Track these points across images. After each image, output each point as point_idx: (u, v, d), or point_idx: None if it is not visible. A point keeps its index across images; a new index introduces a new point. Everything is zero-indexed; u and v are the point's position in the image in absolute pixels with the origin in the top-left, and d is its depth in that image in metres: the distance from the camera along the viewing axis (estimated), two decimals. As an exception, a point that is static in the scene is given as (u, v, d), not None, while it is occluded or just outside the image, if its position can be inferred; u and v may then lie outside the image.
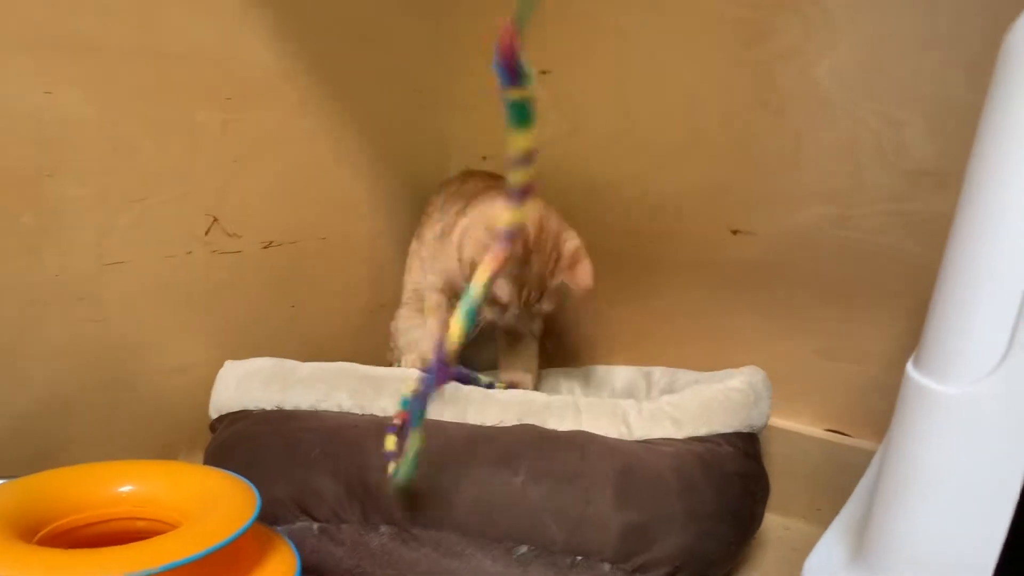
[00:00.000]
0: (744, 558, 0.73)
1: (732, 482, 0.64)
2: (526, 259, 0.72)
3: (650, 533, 0.59)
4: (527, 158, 0.48)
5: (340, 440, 0.64)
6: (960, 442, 0.35)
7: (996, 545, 0.35)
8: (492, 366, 0.86)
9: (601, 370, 0.88)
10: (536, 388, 0.84)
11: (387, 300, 0.87)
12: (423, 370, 0.56)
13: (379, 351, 0.89)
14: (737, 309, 0.84)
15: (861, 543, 0.42)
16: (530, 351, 0.84)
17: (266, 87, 0.78)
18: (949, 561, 0.36)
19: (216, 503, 0.50)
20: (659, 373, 0.83)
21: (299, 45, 0.80)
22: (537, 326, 0.84)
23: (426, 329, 0.81)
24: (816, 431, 0.81)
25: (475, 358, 0.83)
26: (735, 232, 0.82)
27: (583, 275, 0.74)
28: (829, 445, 0.79)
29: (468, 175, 0.90)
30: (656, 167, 0.86)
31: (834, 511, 0.55)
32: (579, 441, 0.63)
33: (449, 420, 0.65)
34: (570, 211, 0.80)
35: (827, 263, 0.77)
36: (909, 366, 0.39)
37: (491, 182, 0.86)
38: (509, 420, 0.65)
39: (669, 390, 0.78)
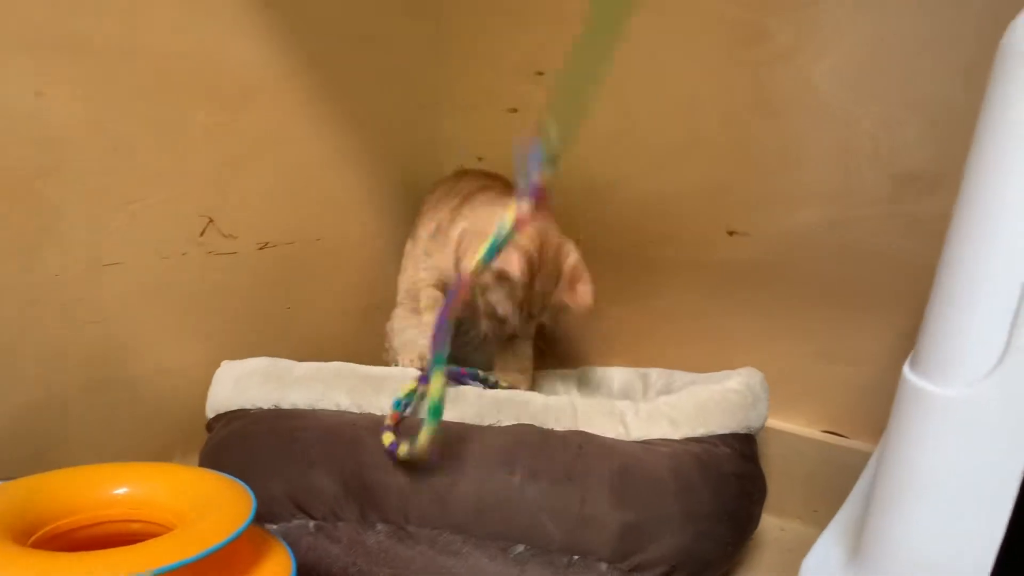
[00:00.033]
0: (740, 559, 0.73)
1: (729, 483, 0.64)
2: (531, 280, 0.72)
3: (647, 533, 0.59)
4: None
5: (338, 438, 0.64)
6: (957, 444, 0.35)
7: (993, 547, 0.35)
8: (487, 367, 0.86)
9: (598, 371, 0.88)
10: (532, 388, 0.84)
11: (383, 301, 0.87)
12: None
13: (375, 352, 0.88)
14: (734, 310, 0.84)
15: (858, 545, 0.42)
16: (525, 351, 0.84)
17: (262, 87, 0.78)
18: (946, 563, 0.36)
19: (211, 505, 0.50)
20: (656, 375, 0.83)
21: (295, 46, 0.80)
22: (531, 327, 0.84)
23: (422, 326, 0.81)
24: (813, 432, 0.81)
25: (469, 359, 0.83)
26: (732, 233, 0.82)
27: (583, 295, 0.74)
28: (825, 446, 0.79)
29: (462, 174, 0.90)
30: (654, 167, 0.86)
31: (830, 512, 0.55)
32: (576, 441, 0.63)
33: (447, 420, 0.65)
34: (568, 211, 0.80)
35: (824, 264, 0.77)
36: (906, 368, 0.39)
37: (486, 181, 0.85)
38: (506, 420, 0.65)
39: (666, 391, 0.78)
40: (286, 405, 0.68)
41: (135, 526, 0.53)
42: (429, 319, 0.80)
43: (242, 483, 0.54)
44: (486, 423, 0.65)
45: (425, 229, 0.85)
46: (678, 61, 0.82)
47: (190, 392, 0.74)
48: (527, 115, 0.94)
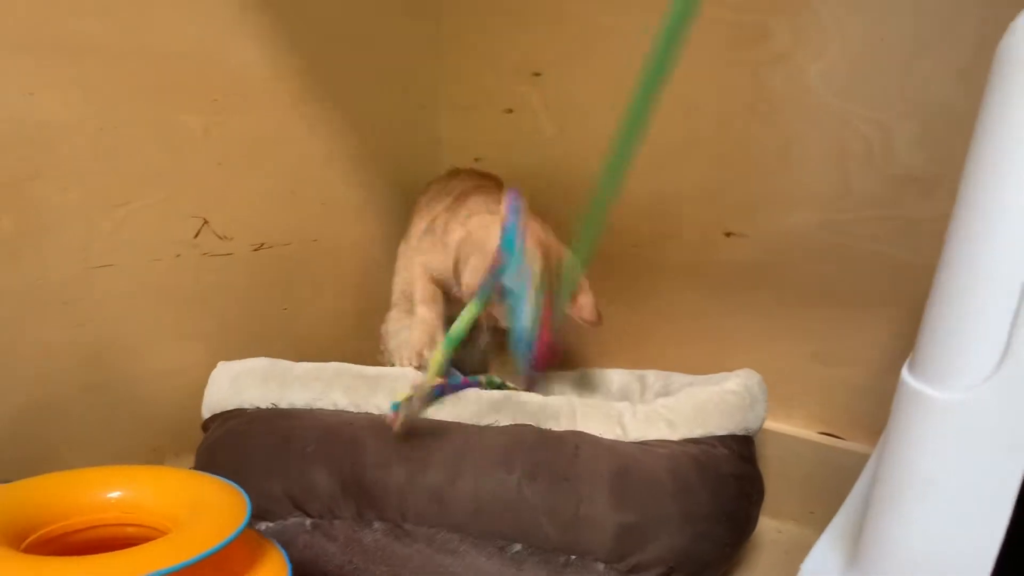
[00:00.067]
0: (738, 560, 0.73)
1: (727, 484, 0.64)
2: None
3: (645, 534, 0.59)
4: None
5: (335, 437, 0.64)
6: (956, 448, 0.35)
7: (992, 551, 0.35)
8: (481, 369, 0.86)
9: (595, 374, 0.87)
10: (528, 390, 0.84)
11: (379, 303, 0.87)
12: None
13: (372, 354, 0.88)
14: (731, 311, 0.84)
15: (857, 549, 0.41)
16: None
17: (256, 88, 0.77)
18: (945, 567, 0.36)
19: (206, 509, 0.50)
20: (653, 376, 0.83)
21: (290, 46, 0.80)
22: None
23: (416, 318, 0.80)
24: (809, 434, 0.81)
25: (464, 361, 0.83)
26: (729, 234, 0.82)
27: (588, 310, 0.74)
28: (822, 448, 0.79)
29: (455, 173, 0.90)
30: (651, 168, 0.86)
31: (827, 514, 0.55)
32: (574, 441, 0.63)
33: (445, 420, 0.65)
34: (564, 212, 0.80)
35: (821, 266, 0.77)
36: (904, 371, 0.39)
37: (480, 180, 0.85)
38: (504, 420, 0.65)
39: (664, 393, 0.78)
40: (284, 404, 0.68)
41: (129, 530, 0.52)
42: (423, 312, 0.79)
43: (237, 486, 0.53)
44: (484, 423, 0.65)
45: (418, 229, 0.85)
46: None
47: (185, 394, 0.74)
48: (524, 116, 0.93)
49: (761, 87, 0.77)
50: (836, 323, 0.78)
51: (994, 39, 0.36)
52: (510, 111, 0.94)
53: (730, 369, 0.74)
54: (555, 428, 0.65)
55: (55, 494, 0.52)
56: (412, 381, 0.66)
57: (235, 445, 0.66)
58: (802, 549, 0.50)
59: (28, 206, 0.63)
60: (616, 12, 0.84)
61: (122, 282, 0.70)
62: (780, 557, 0.75)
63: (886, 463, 0.39)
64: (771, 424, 0.81)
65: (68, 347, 0.67)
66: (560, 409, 0.66)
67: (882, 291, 0.75)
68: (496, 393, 0.68)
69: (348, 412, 0.67)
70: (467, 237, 0.76)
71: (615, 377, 0.86)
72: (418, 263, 0.82)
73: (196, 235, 0.75)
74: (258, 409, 0.68)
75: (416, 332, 0.77)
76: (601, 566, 0.59)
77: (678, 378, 0.79)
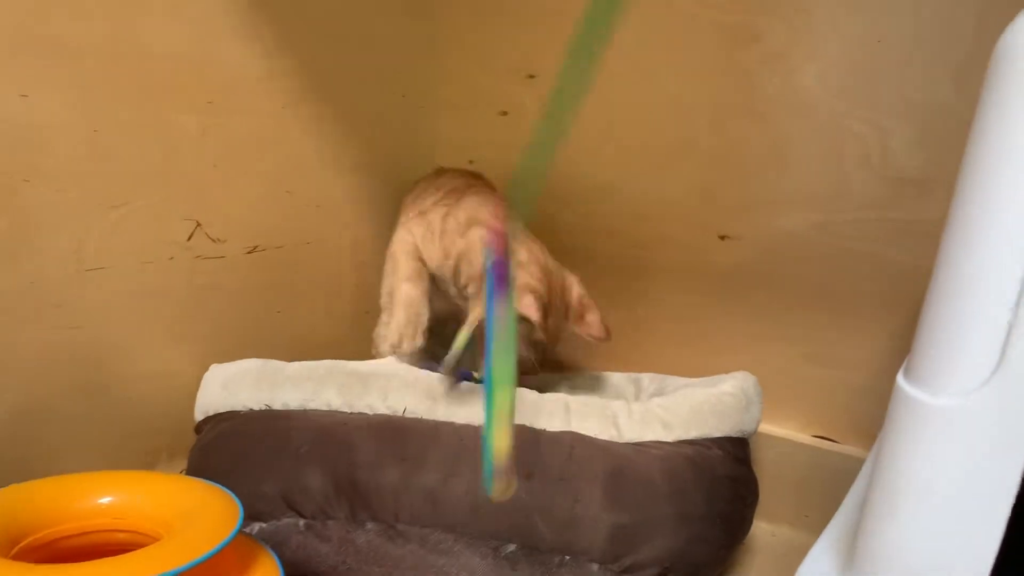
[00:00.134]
0: (731, 564, 0.73)
1: (722, 486, 0.64)
2: (544, 318, 0.72)
3: (639, 534, 0.60)
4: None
5: (329, 438, 0.63)
6: (951, 454, 0.35)
7: (989, 557, 0.35)
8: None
9: (589, 376, 0.87)
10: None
11: (373, 305, 0.86)
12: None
13: (365, 357, 0.88)
14: (725, 314, 0.84)
15: (852, 555, 0.41)
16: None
17: (249, 90, 0.77)
18: (941, 573, 0.36)
19: (197, 515, 0.50)
20: (648, 379, 0.83)
21: (284, 46, 0.79)
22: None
23: (399, 296, 0.76)
24: (803, 437, 0.81)
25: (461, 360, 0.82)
26: (723, 237, 0.82)
27: (596, 327, 0.75)
28: (817, 451, 0.79)
29: (441, 171, 0.90)
30: (645, 171, 0.86)
31: (821, 517, 0.55)
32: (569, 442, 0.63)
33: (440, 419, 0.65)
34: (557, 216, 0.80)
35: (814, 269, 0.77)
36: (899, 377, 0.39)
37: (470, 179, 0.85)
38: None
39: (658, 396, 0.78)
40: (277, 405, 0.67)
41: (121, 536, 0.52)
42: (408, 289, 0.76)
43: (229, 491, 0.53)
44: (478, 423, 0.65)
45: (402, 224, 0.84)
46: (668, 64, 0.82)
47: (178, 397, 0.73)
48: (519, 118, 0.93)
49: (755, 88, 0.77)
50: (831, 325, 0.78)
51: (991, 40, 0.36)
52: (505, 113, 0.94)
53: (725, 371, 0.74)
54: (550, 428, 0.65)
55: (45, 499, 0.52)
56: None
57: (228, 447, 0.66)
58: (796, 553, 0.50)
59: (22, 208, 0.62)
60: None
61: (115, 284, 0.70)
62: (774, 561, 0.75)
63: (881, 468, 0.39)
64: (766, 427, 0.81)
65: (61, 349, 0.67)
66: (555, 408, 0.66)
67: (878, 293, 0.75)
68: None
69: (342, 412, 0.66)
70: (467, 251, 0.76)
71: (609, 380, 0.86)
72: (404, 241, 0.80)
73: (189, 238, 0.75)
74: (251, 411, 0.67)
75: (400, 313, 0.75)
76: (595, 567, 0.59)
77: (673, 381, 0.79)
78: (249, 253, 0.81)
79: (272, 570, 0.51)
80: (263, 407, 0.67)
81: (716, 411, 0.68)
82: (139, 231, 0.71)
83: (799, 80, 0.75)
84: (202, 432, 0.69)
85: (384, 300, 0.86)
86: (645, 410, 0.67)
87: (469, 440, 0.62)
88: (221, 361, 0.72)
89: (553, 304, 0.73)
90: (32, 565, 0.44)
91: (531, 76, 0.90)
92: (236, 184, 0.78)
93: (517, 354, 0.72)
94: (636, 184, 0.87)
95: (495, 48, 0.93)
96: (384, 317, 0.85)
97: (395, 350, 0.72)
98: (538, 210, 0.77)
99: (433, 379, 0.67)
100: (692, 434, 0.66)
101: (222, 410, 0.69)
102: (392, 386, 0.67)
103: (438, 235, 0.78)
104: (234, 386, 0.69)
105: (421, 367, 0.71)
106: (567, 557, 0.59)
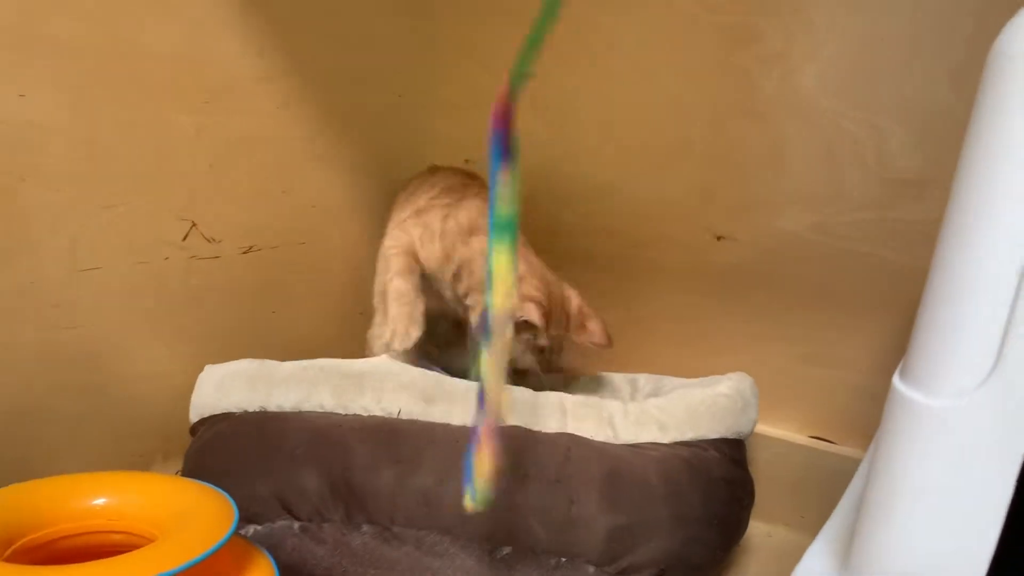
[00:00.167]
0: (727, 565, 0.73)
1: (718, 487, 0.64)
2: (546, 328, 0.72)
3: (635, 536, 0.59)
4: (510, 288, 0.45)
5: (323, 439, 0.63)
6: (948, 456, 0.35)
7: (985, 558, 0.35)
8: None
9: (586, 376, 0.87)
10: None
11: (368, 305, 0.86)
12: None
13: (359, 357, 0.88)
14: (721, 314, 0.84)
15: (848, 556, 0.41)
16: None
17: (245, 89, 0.77)
18: (937, 574, 0.36)
19: (193, 516, 0.49)
20: (644, 380, 0.82)
21: (280, 45, 0.79)
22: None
23: (392, 291, 0.76)
24: (800, 438, 0.81)
25: (452, 364, 0.82)
26: (720, 237, 0.82)
27: (598, 335, 0.76)
28: (813, 452, 0.79)
29: (435, 169, 0.90)
30: (642, 171, 0.86)
31: (818, 518, 0.55)
32: (565, 443, 0.63)
33: (435, 420, 0.65)
34: (555, 216, 0.80)
35: (810, 269, 0.77)
36: (895, 378, 0.39)
37: (465, 179, 0.85)
38: (495, 420, 0.65)
39: (655, 396, 0.78)
40: (271, 407, 0.67)
41: (115, 537, 0.52)
42: (400, 284, 0.76)
43: (224, 493, 0.53)
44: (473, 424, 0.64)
45: (396, 221, 0.84)
46: (668, 64, 0.82)
47: (172, 397, 0.73)
48: (517, 118, 0.93)
49: (755, 89, 0.77)
50: (828, 326, 0.78)
51: (988, 41, 0.36)
52: (502, 113, 0.94)
53: (721, 372, 0.74)
54: (546, 428, 0.65)
55: (40, 501, 0.51)
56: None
57: (223, 449, 0.65)
58: (793, 553, 0.50)
59: (17, 207, 0.62)
60: (612, 12, 0.84)
61: (110, 285, 0.69)
62: (771, 561, 0.75)
63: (877, 470, 0.39)
64: (762, 427, 0.81)
65: (56, 349, 0.66)
66: (551, 409, 0.66)
67: (875, 294, 0.75)
68: None
69: (336, 414, 0.66)
70: (469, 260, 0.76)
71: (606, 380, 0.86)
72: (398, 241, 0.80)
73: (184, 238, 0.74)
74: (245, 412, 0.67)
75: (393, 307, 0.75)
76: (591, 568, 0.59)
77: (669, 381, 0.79)
78: (244, 253, 0.80)
79: (267, 572, 0.51)
80: (257, 409, 0.67)
81: (712, 412, 0.68)
82: (134, 231, 0.70)
83: (798, 80, 0.75)
84: (197, 434, 0.69)
85: (376, 300, 0.86)
86: (641, 411, 0.67)
87: (464, 442, 0.62)
88: (216, 361, 0.72)
89: (554, 314, 0.73)
90: (27, 567, 0.44)
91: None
92: (232, 184, 0.78)
93: (527, 365, 0.73)
94: (635, 184, 0.87)
95: (493, 47, 0.92)
96: (377, 318, 0.85)
97: (389, 347, 0.72)
98: (537, 210, 0.77)
99: (428, 380, 0.67)
100: (688, 435, 0.66)
101: (216, 412, 0.68)
102: (386, 387, 0.66)
103: (438, 235, 0.78)
104: (228, 387, 0.68)
105: (417, 366, 0.71)
106: (563, 559, 0.59)
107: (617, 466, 0.61)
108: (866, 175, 0.73)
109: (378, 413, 0.65)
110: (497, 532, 0.59)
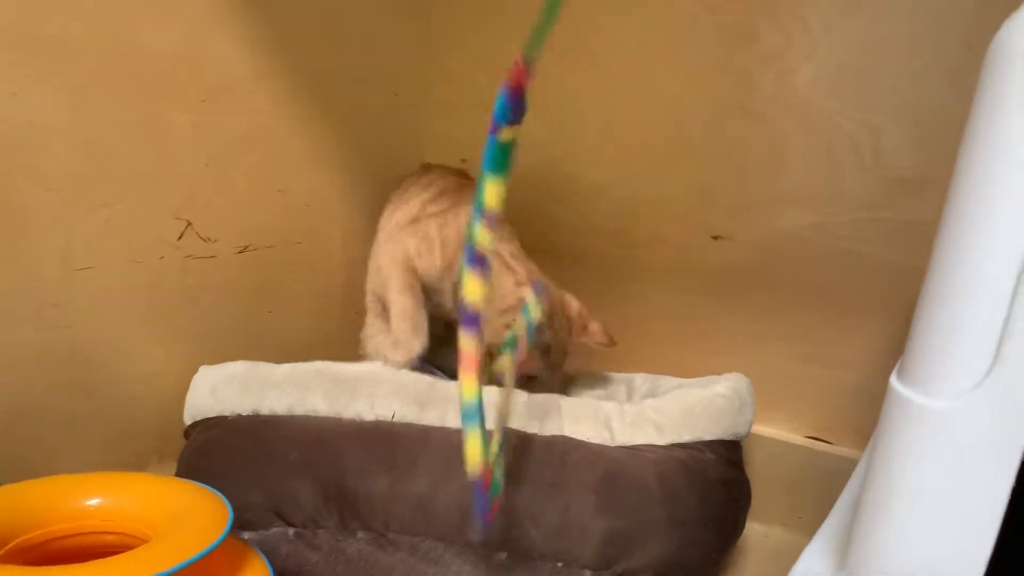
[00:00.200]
0: (724, 566, 0.73)
1: (715, 489, 0.64)
2: (550, 335, 0.73)
3: (632, 540, 0.59)
4: (494, 217, 0.47)
5: (317, 444, 0.63)
6: (945, 456, 0.35)
7: (982, 561, 0.35)
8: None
9: (582, 376, 0.87)
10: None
11: (362, 306, 0.86)
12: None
13: (355, 357, 0.88)
14: (718, 314, 0.84)
15: (845, 557, 0.41)
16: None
17: (241, 89, 0.77)
18: (935, 575, 0.36)
19: (187, 517, 0.49)
20: (640, 379, 0.82)
21: (276, 44, 0.79)
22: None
23: (396, 309, 0.75)
24: (797, 438, 0.81)
25: (445, 363, 0.82)
26: (717, 237, 0.82)
27: (600, 335, 0.76)
28: (810, 452, 0.79)
29: (428, 168, 0.89)
30: (639, 171, 0.86)
31: (815, 519, 0.54)
32: (560, 446, 0.63)
33: (430, 424, 0.65)
34: (552, 215, 0.80)
35: (808, 269, 0.77)
36: (893, 378, 0.38)
37: (460, 179, 0.85)
38: (489, 421, 0.64)
39: (651, 397, 0.78)
40: (265, 411, 0.67)
41: (109, 538, 0.52)
42: (403, 301, 0.75)
43: (219, 493, 0.53)
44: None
45: (390, 222, 0.83)
46: (668, 64, 0.82)
47: (167, 398, 0.73)
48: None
49: (754, 89, 0.77)
50: (825, 326, 0.78)
51: (987, 41, 0.35)
52: (499, 112, 0.94)
53: (718, 372, 0.74)
54: (542, 430, 0.64)
55: (34, 501, 0.51)
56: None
57: (216, 454, 0.65)
58: (790, 554, 0.49)
59: (11, 206, 0.62)
60: (612, 12, 0.83)
61: (105, 284, 0.69)
62: (767, 562, 0.75)
63: (874, 470, 0.38)
64: (759, 427, 0.81)
65: (50, 350, 0.66)
66: (548, 410, 0.66)
67: (872, 294, 0.75)
68: None
69: (330, 419, 0.66)
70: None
71: (602, 380, 0.86)
72: (394, 251, 0.79)
73: (180, 237, 0.74)
74: (239, 416, 0.67)
75: (398, 325, 0.74)
76: (588, 573, 0.58)
77: (666, 381, 0.79)
78: (240, 253, 0.80)
79: (262, 573, 0.51)
80: (251, 413, 0.67)
81: (708, 413, 0.68)
82: (129, 230, 0.70)
83: (797, 80, 0.75)
84: (190, 437, 0.69)
85: (369, 300, 0.86)
86: (637, 412, 0.67)
87: (459, 445, 0.62)
88: (212, 361, 0.72)
89: (555, 316, 0.73)
90: (20, 567, 0.44)
91: (526, 75, 0.90)
92: (228, 183, 0.77)
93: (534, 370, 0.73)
94: (631, 183, 0.87)
95: (491, 46, 0.92)
96: (369, 318, 0.85)
97: (400, 367, 0.71)
98: (537, 210, 0.77)
99: (421, 384, 0.67)
100: (685, 437, 0.66)
101: (210, 415, 0.68)
102: (380, 392, 0.66)
103: (438, 244, 0.77)
104: (222, 391, 0.68)
105: (411, 367, 0.71)
106: (559, 564, 0.58)
107: (613, 469, 0.61)
108: (865, 175, 0.73)
109: (371, 418, 0.65)
110: (492, 537, 0.58)
